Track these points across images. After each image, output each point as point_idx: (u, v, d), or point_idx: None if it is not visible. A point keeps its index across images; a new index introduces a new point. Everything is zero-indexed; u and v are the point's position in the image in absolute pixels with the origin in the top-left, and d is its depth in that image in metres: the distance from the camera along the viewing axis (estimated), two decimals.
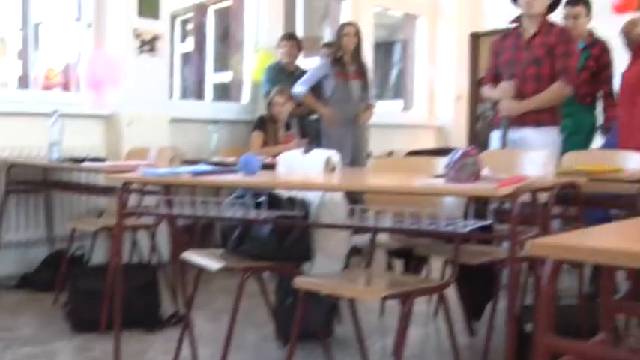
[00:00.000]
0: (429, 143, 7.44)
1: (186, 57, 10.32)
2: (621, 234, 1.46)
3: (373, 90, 5.97)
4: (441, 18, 7.70)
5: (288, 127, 5.50)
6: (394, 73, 8.38)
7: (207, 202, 2.70)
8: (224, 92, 8.70)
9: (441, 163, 2.53)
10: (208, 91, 9.28)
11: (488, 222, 2.49)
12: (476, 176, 2.13)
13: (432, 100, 7.75)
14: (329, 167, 2.93)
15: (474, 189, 2.09)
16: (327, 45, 6.36)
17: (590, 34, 4.92)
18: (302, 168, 3.04)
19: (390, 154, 6.54)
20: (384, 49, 8.81)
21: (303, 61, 6.32)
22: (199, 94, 9.09)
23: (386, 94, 8.62)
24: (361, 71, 5.83)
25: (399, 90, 8.16)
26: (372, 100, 5.94)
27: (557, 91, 4.22)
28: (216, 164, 4.60)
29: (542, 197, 2.62)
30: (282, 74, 5.86)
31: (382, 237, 3.50)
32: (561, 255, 1.13)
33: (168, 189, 2.98)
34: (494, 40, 4.55)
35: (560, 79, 4.19)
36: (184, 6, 9.39)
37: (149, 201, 3.87)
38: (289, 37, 6.06)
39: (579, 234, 1.39)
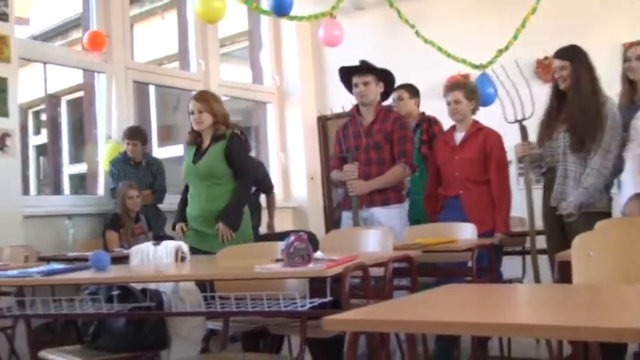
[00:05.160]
0: (287, 224, 7.66)
1: (41, 149, 10.19)
2: (420, 303, 1.69)
3: None
4: (288, 104, 8.07)
5: (137, 219, 5.59)
6: None
7: (60, 300, 2.78)
8: (81, 183, 8.65)
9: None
10: (65, 182, 9.19)
11: (329, 298, 2.69)
12: (308, 258, 2.35)
13: (286, 182, 8.04)
14: (179, 257, 3.09)
15: (305, 271, 2.31)
16: None
17: (422, 113, 5.38)
18: (154, 259, 3.18)
19: None
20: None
21: (159, 150, 6.43)
22: (56, 187, 8.98)
23: None
24: None
25: None
26: None
27: (398, 172, 4.62)
28: (73, 259, 4.64)
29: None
30: (129, 166, 5.91)
31: (239, 319, 3.63)
32: (352, 327, 1.33)
33: (21, 289, 3.03)
34: (337, 129, 4.90)
35: (399, 162, 4.58)
36: (36, 97, 9.31)
37: (6, 302, 3.83)
38: (131, 135, 5.95)
39: (379, 307, 1.61)
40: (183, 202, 4.56)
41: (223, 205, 4.31)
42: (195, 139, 4.50)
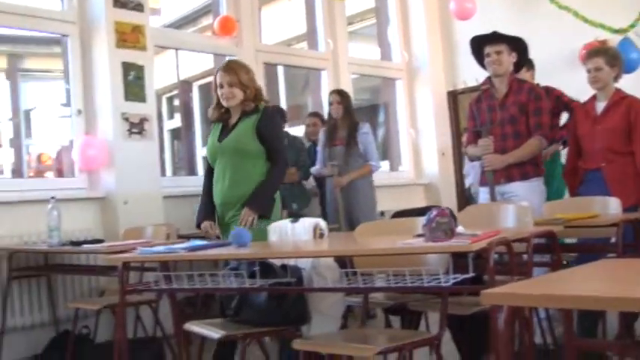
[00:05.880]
0: (419, 200, 7.59)
1: (175, 133, 10.54)
2: (575, 279, 1.61)
3: (369, 154, 5.94)
4: (418, 79, 7.97)
5: None
6: (380, 134, 8.60)
7: (204, 275, 2.85)
8: None
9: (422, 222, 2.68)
10: (199, 164, 9.47)
11: (470, 274, 2.63)
12: (451, 233, 2.29)
13: (417, 159, 7.97)
14: (317, 233, 3.10)
15: (449, 245, 2.25)
16: (313, 114, 6.58)
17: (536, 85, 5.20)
18: (292, 236, 3.21)
19: (382, 214, 6.69)
20: (369, 111, 9.05)
21: (289, 130, 6.51)
22: (191, 169, 9.27)
23: None
24: (349, 136, 5.92)
25: (386, 151, 8.36)
26: (369, 162, 5.96)
27: (534, 145, 4.47)
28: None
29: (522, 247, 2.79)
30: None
31: (377, 296, 3.62)
32: (511, 302, 1.28)
33: (166, 264, 3.13)
34: (470, 103, 4.79)
35: (535, 134, 4.43)
36: (169, 83, 9.63)
37: (149, 276, 3.99)
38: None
39: (532, 282, 1.54)
40: (207, 194, 4.00)
41: (248, 190, 3.76)
42: (222, 116, 3.96)
